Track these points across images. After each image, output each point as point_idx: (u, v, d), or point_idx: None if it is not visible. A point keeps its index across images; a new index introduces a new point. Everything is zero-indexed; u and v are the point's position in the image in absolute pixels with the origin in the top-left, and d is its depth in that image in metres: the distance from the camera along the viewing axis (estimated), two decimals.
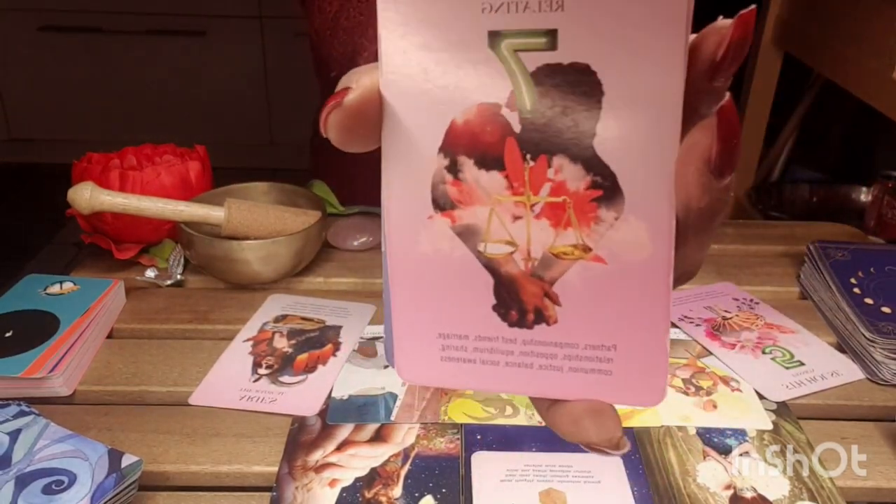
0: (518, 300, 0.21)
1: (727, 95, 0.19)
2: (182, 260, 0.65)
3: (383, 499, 0.42)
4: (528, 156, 0.20)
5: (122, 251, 0.64)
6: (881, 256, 0.63)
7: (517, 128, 0.20)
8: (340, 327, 0.57)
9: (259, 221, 0.62)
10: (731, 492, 0.43)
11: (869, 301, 0.57)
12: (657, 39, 0.18)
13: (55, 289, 0.58)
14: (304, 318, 0.59)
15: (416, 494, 0.42)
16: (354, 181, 0.81)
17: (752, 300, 0.62)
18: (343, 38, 0.66)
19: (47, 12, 2.08)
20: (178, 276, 0.64)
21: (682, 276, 0.21)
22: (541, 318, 0.21)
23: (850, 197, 1.14)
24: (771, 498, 0.42)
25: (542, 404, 0.23)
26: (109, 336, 0.57)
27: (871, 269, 0.61)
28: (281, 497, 0.42)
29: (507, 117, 0.20)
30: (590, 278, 0.21)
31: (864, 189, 1.12)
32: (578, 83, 0.19)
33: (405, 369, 0.23)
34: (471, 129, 0.20)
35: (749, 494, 0.43)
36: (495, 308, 0.22)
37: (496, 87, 0.19)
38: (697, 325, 0.58)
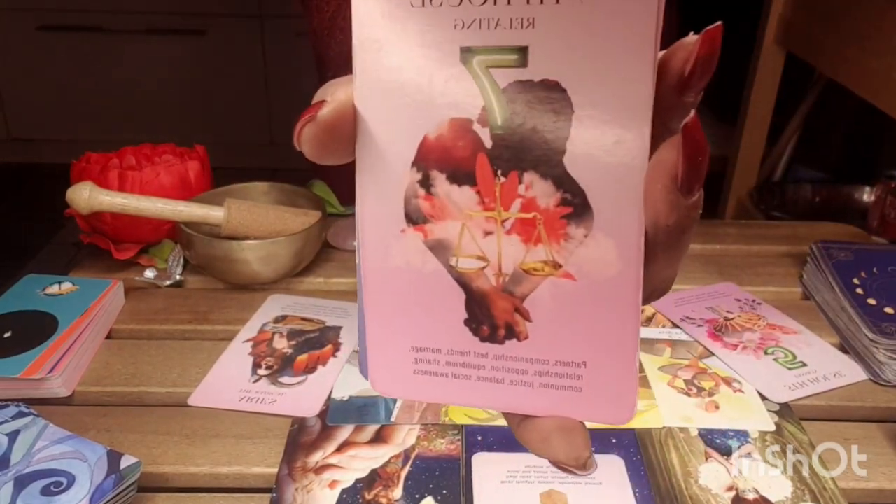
0: (489, 315, 0.21)
1: (692, 112, 0.19)
2: (181, 260, 0.64)
3: (383, 500, 0.42)
4: (499, 171, 0.20)
5: (121, 251, 0.63)
6: (884, 257, 0.63)
7: (488, 143, 0.20)
8: (340, 328, 0.57)
9: (259, 221, 0.61)
10: (733, 493, 0.43)
11: (872, 302, 0.57)
12: (626, 57, 0.18)
13: (54, 289, 0.58)
14: (304, 319, 0.58)
15: (417, 496, 0.42)
16: (354, 181, 0.81)
17: (754, 301, 0.62)
18: (340, 37, 0.65)
19: (46, 11, 2.07)
20: (178, 277, 0.64)
21: (653, 293, 0.21)
22: (511, 333, 0.21)
23: (852, 197, 1.14)
24: (773, 499, 0.42)
25: (514, 419, 0.23)
26: (108, 337, 0.57)
27: (874, 270, 0.61)
28: (281, 498, 0.42)
29: (478, 133, 0.20)
30: (560, 295, 0.21)
31: (867, 189, 1.12)
32: (549, 100, 0.19)
33: (378, 382, 0.23)
34: (443, 144, 0.20)
35: (751, 496, 0.43)
36: (467, 322, 0.22)
37: (468, 102, 0.20)
38: (699, 325, 0.58)
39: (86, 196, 0.57)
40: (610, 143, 0.19)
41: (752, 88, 1.12)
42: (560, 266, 0.20)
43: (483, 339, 0.22)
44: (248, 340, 0.56)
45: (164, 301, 0.61)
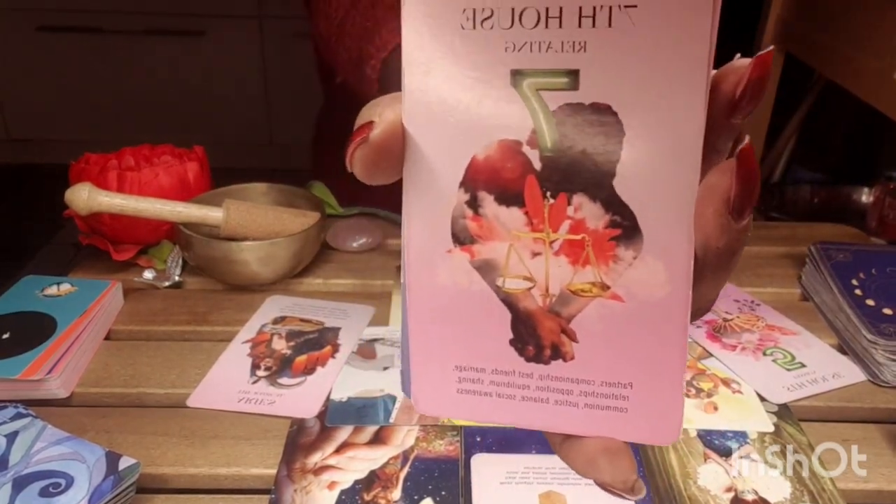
0: (535, 336, 0.22)
1: (747, 139, 0.19)
2: (180, 261, 0.64)
3: (382, 501, 0.42)
4: (548, 193, 0.20)
5: (119, 252, 0.63)
6: (883, 258, 0.63)
7: (537, 165, 0.20)
8: (339, 329, 0.57)
9: (258, 222, 0.61)
10: (732, 494, 0.43)
11: (870, 302, 0.57)
12: (679, 81, 0.18)
13: (53, 290, 0.58)
14: (302, 320, 0.58)
15: (416, 497, 0.42)
16: (354, 182, 0.81)
17: (752, 301, 0.62)
18: (349, 44, 0.65)
19: (45, 12, 2.07)
20: (177, 278, 0.63)
21: (696, 312, 0.21)
22: (557, 354, 0.22)
23: (851, 198, 1.14)
24: (772, 500, 0.42)
25: (556, 439, 0.23)
26: (107, 338, 0.57)
27: (873, 271, 0.61)
28: (279, 499, 0.42)
29: (527, 155, 0.20)
30: (607, 316, 0.21)
31: (865, 190, 1.12)
32: (599, 123, 0.19)
33: (421, 401, 0.23)
34: (491, 166, 0.20)
35: (750, 497, 0.43)
36: (512, 342, 0.22)
37: (518, 124, 0.20)
38: (698, 326, 0.58)
39: (84, 197, 0.57)
40: (660, 166, 0.19)
41: None
42: (608, 287, 0.21)
43: (528, 360, 0.22)
44: (247, 341, 0.56)
45: (163, 302, 0.61)
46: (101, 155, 0.65)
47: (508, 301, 0.21)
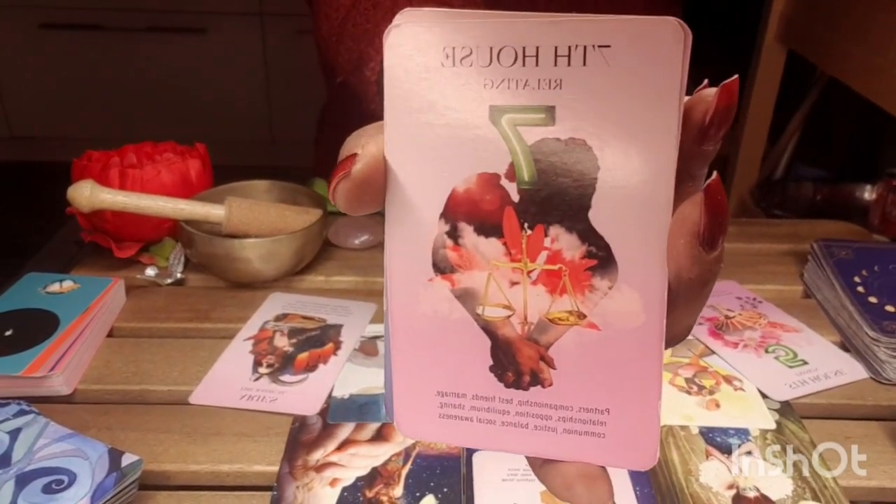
0: (514, 362, 0.22)
1: (714, 173, 0.19)
2: (182, 258, 0.64)
3: (384, 498, 0.42)
4: (526, 224, 0.21)
5: (122, 250, 0.63)
6: (885, 255, 0.63)
7: (515, 198, 0.21)
8: (341, 326, 0.57)
9: (260, 220, 0.62)
10: (733, 491, 0.43)
11: (873, 300, 0.57)
12: (651, 115, 0.19)
13: (55, 287, 0.58)
14: (304, 317, 0.58)
15: (418, 494, 0.42)
16: None
17: (755, 299, 0.62)
18: (349, 44, 0.65)
19: (48, 9, 2.07)
20: (179, 275, 0.64)
21: (672, 339, 0.22)
22: (536, 380, 0.22)
23: (854, 195, 1.14)
24: (774, 498, 0.42)
25: (536, 462, 0.23)
26: (109, 335, 0.57)
27: (875, 268, 0.61)
28: (281, 496, 0.42)
29: (506, 187, 0.21)
30: (584, 344, 0.21)
31: (868, 187, 1.12)
32: (575, 158, 0.20)
33: (404, 425, 0.24)
34: (471, 198, 0.21)
35: (752, 494, 0.43)
36: (492, 369, 0.22)
37: (496, 158, 0.20)
38: (700, 324, 0.58)
39: (87, 194, 0.57)
40: (635, 198, 0.20)
41: (753, 86, 1.12)
42: (584, 316, 0.21)
43: (508, 386, 0.22)
44: (249, 339, 0.56)
45: (165, 299, 0.61)
46: (103, 152, 0.65)
47: (488, 329, 0.22)
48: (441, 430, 0.24)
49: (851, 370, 0.53)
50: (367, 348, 0.55)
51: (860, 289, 0.58)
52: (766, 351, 0.55)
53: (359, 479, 0.43)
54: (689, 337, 0.56)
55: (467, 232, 0.21)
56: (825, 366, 0.53)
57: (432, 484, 0.43)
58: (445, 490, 0.42)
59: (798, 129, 1.25)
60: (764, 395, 0.50)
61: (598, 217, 0.20)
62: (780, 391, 0.51)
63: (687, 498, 0.42)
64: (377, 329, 0.57)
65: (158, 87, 2.15)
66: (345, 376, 0.52)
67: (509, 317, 0.22)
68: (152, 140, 0.69)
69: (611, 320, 0.21)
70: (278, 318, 0.58)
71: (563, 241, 0.21)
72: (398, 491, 0.42)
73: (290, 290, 0.63)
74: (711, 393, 0.51)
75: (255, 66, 2.15)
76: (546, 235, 0.21)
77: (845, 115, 1.30)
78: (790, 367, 0.53)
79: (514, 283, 0.22)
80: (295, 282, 0.64)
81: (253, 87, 2.17)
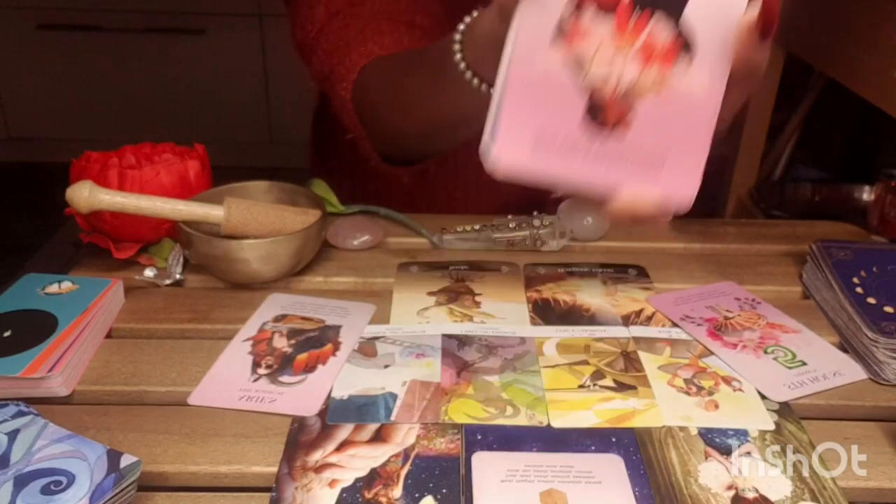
0: (604, 115, 0.31)
1: None
2: (181, 259, 0.64)
3: (383, 499, 0.42)
4: (638, 7, 0.30)
5: (120, 250, 0.63)
6: (884, 256, 0.63)
7: None
8: (340, 327, 0.57)
9: (258, 220, 0.61)
10: (732, 492, 0.43)
11: (871, 301, 0.57)
12: None
13: (53, 288, 0.58)
14: (303, 318, 0.58)
15: (417, 495, 0.42)
16: (354, 180, 0.81)
17: (753, 300, 0.62)
18: (322, 57, 0.67)
19: (46, 10, 2.07)
20: (178, 276, 0.64)
21: (718, 122, 0.32)
22: (618, 129, 0.31)
23: (852, 196, 1.14)
24: (773, 498, 0.42)
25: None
26: (108, 336, 0.57)
27: (874, 269, 0.61)
28: (280, 497, 0.42)
29: None
30: (660, 105, 0.31)
31: (866, 188, 1.12)
32: None
33: (503, 158, 0.32)
34: None
35: (751, 495, 0.43)
36: (586, 115, 0.31)
37: None
38: (699, 324, 0.58)
39: (85, 195, 0.57)
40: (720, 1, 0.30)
41: None
42: (665, 85, 0.31)
43: (595, 130, 0.31)
44: (248, 339, 0.56)
45: (164, 300, 0.61)
46: (101, 153, 0.65)
47: (589, 88, 0.31)
48: (531, 163, 0.32)
49: (850, 371, 0.53)
50: (366, 349, 0.55)
51: (859, 290, 0.58)
52: (765, 352, 0.55)
53: (358, 479, 0.43)
54: (688, 338, 0.56)
55: (590, 10, 0.30)
56: (824, 366, 0.53)
57: (431, 485, 0.43)
58: (444, 491, 0.42)
59: (796, 130, 1.25)
60: (763, 396, 0.50)
61: (692, 10, 0.29)
62: (779, 392, 0.51)
63: (686, 499, 0.42)
64: (376, 330, 0.57)
65: (157, 87, 2.15)
66: (344, 377, 0.52)
67: (607, 81, 0.30)
68: (151, 141, 0.69)
69: (685, 91, 0.30)
70: (277, 319, 0.58)
71: (662, 25, 0.29)
72: (397, 492, 0.42)
73: (288, 290, 0.63)
74: (710, 394, 0.51)
75: (253, 66, 2.15)
76: (651, 18, 0.29)
77: (843, 117, 1.31)
78: (789, 367, 0.53)
79: (615, 55, 0.30)
80: (294, 283, 0.64)
81: (252, 87, 2.17)
